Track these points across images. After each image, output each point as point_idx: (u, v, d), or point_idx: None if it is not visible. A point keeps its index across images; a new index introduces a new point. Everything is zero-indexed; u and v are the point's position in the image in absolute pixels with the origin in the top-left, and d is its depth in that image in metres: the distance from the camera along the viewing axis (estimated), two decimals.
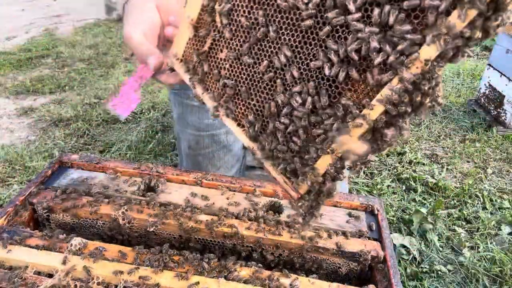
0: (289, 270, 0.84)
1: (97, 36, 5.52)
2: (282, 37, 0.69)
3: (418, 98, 0.61)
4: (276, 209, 1.02)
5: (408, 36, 0.57)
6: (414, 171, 2.77)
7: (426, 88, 0.60)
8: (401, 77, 0.59)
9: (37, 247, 0.84)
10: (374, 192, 2.57)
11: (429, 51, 0.57)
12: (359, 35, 0.61)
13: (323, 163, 0.71)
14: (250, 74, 0.75)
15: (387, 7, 0.58)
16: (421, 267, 2.00)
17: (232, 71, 0.77)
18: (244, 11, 0.72)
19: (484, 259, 2.07)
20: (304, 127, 0.71)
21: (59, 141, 3.12)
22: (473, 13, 0.52)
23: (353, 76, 0.64)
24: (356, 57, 0.62)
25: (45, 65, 4.61)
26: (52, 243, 0.85)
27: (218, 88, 0.80)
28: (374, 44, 0.60)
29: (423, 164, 2.87)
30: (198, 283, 0.76)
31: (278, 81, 0.71)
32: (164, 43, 0.87)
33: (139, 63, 0.84)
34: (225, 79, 0.78)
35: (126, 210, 0.94)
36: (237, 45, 0.75)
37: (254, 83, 0.75)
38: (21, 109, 3.62)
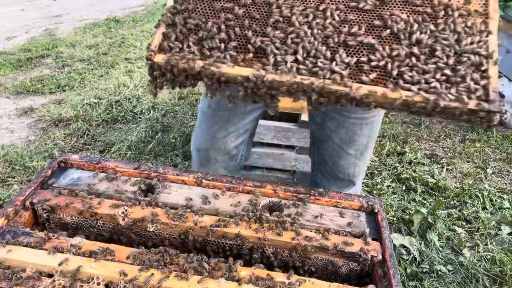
0: (289, 270, 0.84)
1: (97, 36, 5.52)
2: None
3: None
4: (276, 209, 1.02)
5: None
6: (414, 171, 2.77)
7: None
8: None
9: (37, 247, 0.84)
10: (374, 192, 2.57)
11: None
12: None
13: None
14: None
15: None
16: (421, 267, 2.00)
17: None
18: None
19: (484, 259, 2.07)
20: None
21: (59, 141, 3.12)
22: None
23: None
24: None
25: (45, 65, 4.61)
26: (52, 243, 0.85)
27: None
28: None
29: (423, 164, 2.87)
30: (198, 283, 0.76)
31: None
32: None
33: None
34: None
35: (126, 210, 0.94)
36: None
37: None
38: (21, 109, 3.62)
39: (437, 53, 0.76)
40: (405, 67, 0.75)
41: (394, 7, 0.78)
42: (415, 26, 0.77)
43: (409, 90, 0.74)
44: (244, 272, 0.81)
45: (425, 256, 2.06)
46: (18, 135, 3.29)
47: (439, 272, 1.98)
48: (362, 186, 2.63)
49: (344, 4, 0.80)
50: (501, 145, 3.13)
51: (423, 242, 2.15)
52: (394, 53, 0.76)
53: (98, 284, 0.75)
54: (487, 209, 2.44)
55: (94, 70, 4.42)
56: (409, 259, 2.03)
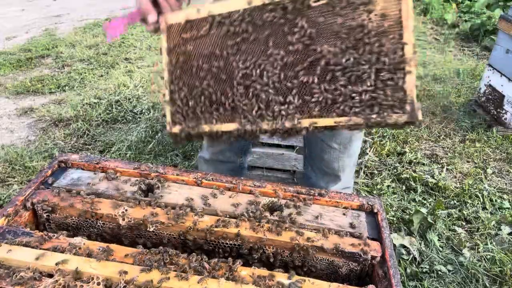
0: (289, 270, 0.84)
1: (97, 36, 5.52)
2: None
3: None
4: (276, 209, 1.02)
5: None
6: (414, 171, 2.77)
7: None
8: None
9: (37, 247, 0.84)
10: (374, 192, 2.57)
11: None
12: None
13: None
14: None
15: None
16: (421, 267, 2.00)
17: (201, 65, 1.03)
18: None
19: (484, 259, 2.07)
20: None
21: (59, 141, 3.12)
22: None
23: None
24: None
25: (45, 65, 4.61)
26: (52, 243, 0.85)
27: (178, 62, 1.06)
28: None
29: (423, 164, 2.87)
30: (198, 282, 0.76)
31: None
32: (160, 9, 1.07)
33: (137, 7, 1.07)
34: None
35: (126, 210, 0.94)
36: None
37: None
38: (21, 109, 3.62)
39: (363, 76, 0.85)
40: (339, 96, 0.87)
41: (323, 42, 0.88)
42: (341, 56, 0.86)
43: (343, 115, 0.87)
44: (244, 272, 0.81)
45: (425, 256, 2.06)
46: (18, 135, 3.29)
47: (439, 272, 1.98)
48: (362, 186, 2.62)
49: (284, 49, 0.91)
50: (501, 145, 3.13)
51: (423, 242, 2.15)
52: (331, 87, 0.87)
53: (98, 284, 0.75)
54: (487, 209, 2.44)
55: (94, 70, 4.42)
56: (409, 259, 2.03)
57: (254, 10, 0.92)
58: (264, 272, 0.82)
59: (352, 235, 0.94)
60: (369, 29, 0.84)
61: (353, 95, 0.85)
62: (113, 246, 0.86)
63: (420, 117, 0.82)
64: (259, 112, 0.96)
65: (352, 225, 0.97)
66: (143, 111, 3.57)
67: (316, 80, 0.88)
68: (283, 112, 0.92)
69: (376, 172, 2.78)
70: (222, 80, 0.99)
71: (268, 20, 0.92)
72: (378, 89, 0.84)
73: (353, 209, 1.03)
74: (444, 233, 2.21)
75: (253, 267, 0.83)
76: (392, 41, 0.82)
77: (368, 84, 0.84)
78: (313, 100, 0.89)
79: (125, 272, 0.77)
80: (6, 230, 0.88)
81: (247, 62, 0.95)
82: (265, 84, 0.94)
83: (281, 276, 0.81)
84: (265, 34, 0.93)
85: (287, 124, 0.92)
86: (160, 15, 1.05)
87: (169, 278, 0.77)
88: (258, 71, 0.94)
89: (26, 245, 0.84)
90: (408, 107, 0.82)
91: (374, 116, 0.84)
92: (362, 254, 0.89)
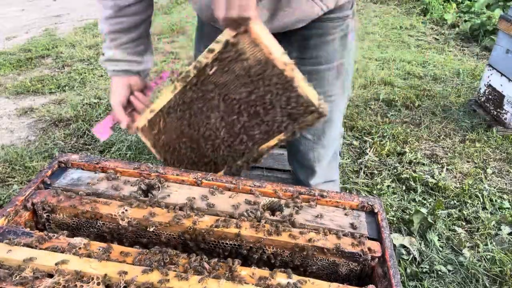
0: (289, 270, 0.84)
1: (97, 36, 5.52)
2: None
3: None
4: (276, 209, 1.02)
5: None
6: (414, 171, 2.77)
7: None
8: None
9: (37, 247, 0.84)
10: (374, 192, 2.57)
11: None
12: None
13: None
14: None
15: None
16: (421, 267, 2.00)
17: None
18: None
19: (484, 259, 2.07)
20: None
21: (59, 141, 3.12)
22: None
23: None
24: None
25: (45, 65, 4.61)
26: (52, 243, 0.85)
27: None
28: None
29: (423, 164, 2.87)
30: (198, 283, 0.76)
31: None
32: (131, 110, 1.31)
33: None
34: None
35: (126, 210, 0.94)
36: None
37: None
38: (21, 109, 3.62)
39: (272, 105, 1.07)
40: (268, 123, 1.10)
41: (235, 92, 1.10)
42: (250, 96, 1.09)
43: (280, 132, 1.10)
44: (244, 272, 0.81)
45: (425, 256, 2.06)
46: (18, 135, 3.29)
47: (439, 272, 1.98)
48: (362, 186, 2.62)
49: (217, 110, 1.15)
50: (501, 145, 3.13)
51: (423, 242, 2.15)
52: (259, 119, 1.11)
53: (98, 284, 0.75)
54: (487, 209, 2.44)
55: (94, 70, 4.42)
56: (409, 259, 2.03)
57: (179, 94, 1.15)
58: (264, 272, 0.82)
59: (352, 235, 0.94)
60: (254, 71, 1.03)
61: (276, 118, 1.08)
62: (113, 246, 0.86)
63: (326, 111, 1.03)
64: (229, 156, 1.20)
65: (352, 225, 0.97)
66: None
67: (248, 119, 1.11)
68: (246, 150, 1.17)
69: (376, 172, 2.78)
70: (195, 148, 1.25)
71: (193, 96, 1.14)
72: (288, 109, 1.05)
73: (353, 209, 1.03)
74: (444, 233, 2.21)
75: (253, 267, 0.83)
76: (273, 72, 1.01)
77: (279, 108, 1.05)
78: (256, 133, 1.12)
79: (125, 272, 0.77)
80: (6, 230, 0.88)
81: (201, 129, 1.19)
82: (222, 138, 1.18)
83: (281, 276, 0.81)
84: (199, 106, 1.15)
85: (254, 155, 1.17)
86: (133, 118, 1.29)
87: (169, 279, 0.77)
88: (212, 131, 1.18)
89: (26, 245, 0.84)
90: (313, 107, 1.02)
91: (299, 124, 1.06)
92: (362, 254, 0.89)
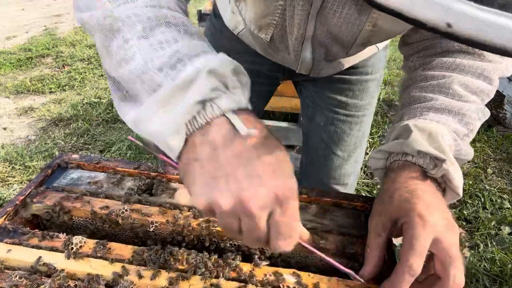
0: (290, 268, 0.84)
1: None
2: None
3: None
4: None
5: None
6: None
7: None
8: None
9: (37, 247, 0.84)
10: (374, 192, 2.57)
11: None
12: None
13: None
14: None
15: None
16: None
17: None
18: None
19: (484, 259, 2.07)
20: None
21: (59, 141, 3.12)
22: None
23: None
24: None
25: (45, 65, 4.61)
26: (52, 243, 0.85)
27: None
28: None
29: None
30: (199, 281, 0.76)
31: None
32: None
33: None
34: None
35: (126, 210, 0.94)
36: None
37: None
38: (21, 109, 3.62)
39: None
40: None
41: None
42: None
43: None
44: (245, 268, 0.81)
45: None
46: (18, 134, 3.29)
47: None
48: (362, 186, 2.62)
49: None
50: (501, 145, 3.13)
51: None
52: None
53: (98, 283, 0.75)
54: (487, 209, 2.44)
55: (94, 69, 4.42)
56: None
57: None
58: (265, 268, 0.82)
59: (352, 235, 0.94)
60: None
61: None
62: (112, 245, 0.86)
63: None
64: None
65: (352, 225, 0.97)
66: None
67: None
68: None
69: None
70: None
71: None
72: None
73: (354, 209, 1.03)
74: None
75: (253, 263, 0.83)
76: None
77: None
78: None
79: (125, 272, 0.77)
80: (6, 229, 0.88)
81: None
82: None
83: (282, 272, 0.81)
84: None
85: None
86: None
87: (169, 277, 0.77)
88: None
89: (26, 245, 0.84)
90: None
91: None
92: (362, 254, 0.88)
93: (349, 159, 1.42)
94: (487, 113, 0.90)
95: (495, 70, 0.88)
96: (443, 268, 0.67)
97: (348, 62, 1.23)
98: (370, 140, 3.10)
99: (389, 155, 0.88)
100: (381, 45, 1.26)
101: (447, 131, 0.81)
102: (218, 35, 1.32)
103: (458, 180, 0.80)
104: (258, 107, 1.50)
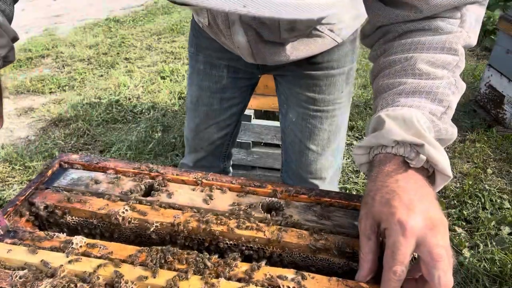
0: (289, 268, 0.84)
1: (97, 36, 5.51)
2: None
3: None
4: (276, 208, 1.02)
5: None
6: None
7: None
8: None
9: (37, 247, 0.84)
10: None
11: None
12: None
13: None
14: None
15: None
16: None
17: None
18: None
19: (484, 259, 2.07)
20: None
21: (59, 141, 3.12)
22: None
23: None
24: None
25: (45, 65, 4.61)
26: (52, 243, 0.85)
27: None
28: None
29: None
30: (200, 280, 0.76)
31: None
32: None
33: None
34: None
35: (126, 210, 0.94)
36: None
37: None
38: (21, 109, 3.62)
39: None
40: None
41: None
42: None
43: None
44: (244, 268, 0.81)
45: None
46: (18, 135, 3.29)
47: None
48: (362, 186, 2.62)
49: None
50: (501, 145, 3.13)
51: None
52: None
53: (99, 284, 0.75)
54: (487, 209, 2.44)
55: (94, 70, 4.42)
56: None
57: None
58: (265, 268, 0.82)
59: (352, 235, 0.94)
60: None
61: None
62: (113, 245, 0.86)
63: None
64: None
65: (352, 225, 0.97)
66: (143, 111, 3.57)
67: None
68: None
69: None
70: None
71: None
72: None
73: (354, 209, 1.03)
74: None
75: (253, 263, 0.83)
76: None
77: None
78: None
79: (125, 272, 0.78)
80: (6, 229, 0.88)
81: None
82: None
83: (280, 272, 0.81)
84: None
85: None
86: None
87: (169, 277, 0.77)
88: None
89: (26, 245, 0.84)
90: None
91: None
92: None
93: (324, 153, 1.42)
94: (461, 86, 0.85)
95: (457, 39, 0.84)
96: (428, 271, 0.66)
97: (297, 52, 1.19)
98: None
99: (370, 149, 0.85)
100: (343, 38, 1.24)
101: (421, 113, 0.77)
102: (199, 35, 1.40)
103: (443, 161, 0.77)
104: (244, 102, 1.57)
